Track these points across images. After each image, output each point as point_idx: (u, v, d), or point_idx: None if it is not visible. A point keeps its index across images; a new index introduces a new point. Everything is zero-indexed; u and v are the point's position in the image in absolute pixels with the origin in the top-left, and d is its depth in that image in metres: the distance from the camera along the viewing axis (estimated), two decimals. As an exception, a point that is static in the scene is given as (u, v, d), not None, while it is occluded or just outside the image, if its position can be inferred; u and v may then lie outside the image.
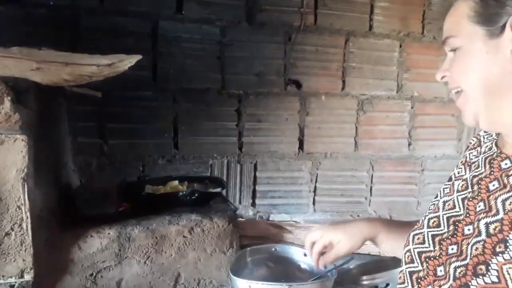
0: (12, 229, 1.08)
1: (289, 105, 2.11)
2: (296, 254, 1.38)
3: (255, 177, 2.11)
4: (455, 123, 2.33)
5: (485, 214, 0.64)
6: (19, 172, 1.06)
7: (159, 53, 1.85)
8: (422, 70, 2.24)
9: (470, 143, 0.86)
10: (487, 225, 0.63)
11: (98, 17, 1.76)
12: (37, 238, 1.12)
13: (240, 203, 2.10)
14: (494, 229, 0.61)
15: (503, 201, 0.63)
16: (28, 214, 1.08)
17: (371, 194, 2.28)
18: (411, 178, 2.33)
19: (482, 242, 0.62)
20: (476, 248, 0.62)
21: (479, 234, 0.63)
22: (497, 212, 0.62)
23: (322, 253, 1.00)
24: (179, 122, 1.93)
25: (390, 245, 0.95)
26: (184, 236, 1.32)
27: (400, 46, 2.21)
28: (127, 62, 1.25)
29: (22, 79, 1.13)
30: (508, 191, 0.63)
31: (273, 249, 1.40)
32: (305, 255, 1.35)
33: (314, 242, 1.00)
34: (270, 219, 2.06)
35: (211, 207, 1.48)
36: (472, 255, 0.62)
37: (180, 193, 1.49)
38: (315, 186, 2.20)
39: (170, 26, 1.85)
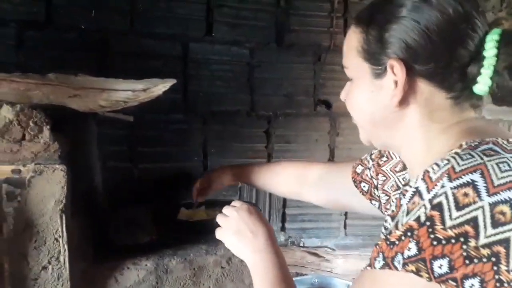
0: (49, 262, 1.03)
1: (319, 125, 2.06)
2: (338, 286, 1.31)
3: (284, 200, 2.06)
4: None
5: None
6: (57, 203, 1.02)
7: (189, 76, 1.83)
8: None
9: None
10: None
11: (129, 39, 1.74)
12: (73, 271, 1.07)
13: (269, 227, 2.03)
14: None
15: None
16: (65, 246, 1.04)
17: (403, 217, 2.19)
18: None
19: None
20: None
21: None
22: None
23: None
24: (208, 145, 1.89)
25: (250, 182, 1.29)
26: (222, 267, 1.26)
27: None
28: (161, 86, 1.22)
29: (60, 107, 1.10)
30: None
31: (314, 281, 1.34)
32: (348, 287, 1.29)
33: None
34: (301, 244, 1.99)
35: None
36: None
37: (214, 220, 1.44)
38: (346, 209, 2.13)
39: (200, 48, 1.83)
